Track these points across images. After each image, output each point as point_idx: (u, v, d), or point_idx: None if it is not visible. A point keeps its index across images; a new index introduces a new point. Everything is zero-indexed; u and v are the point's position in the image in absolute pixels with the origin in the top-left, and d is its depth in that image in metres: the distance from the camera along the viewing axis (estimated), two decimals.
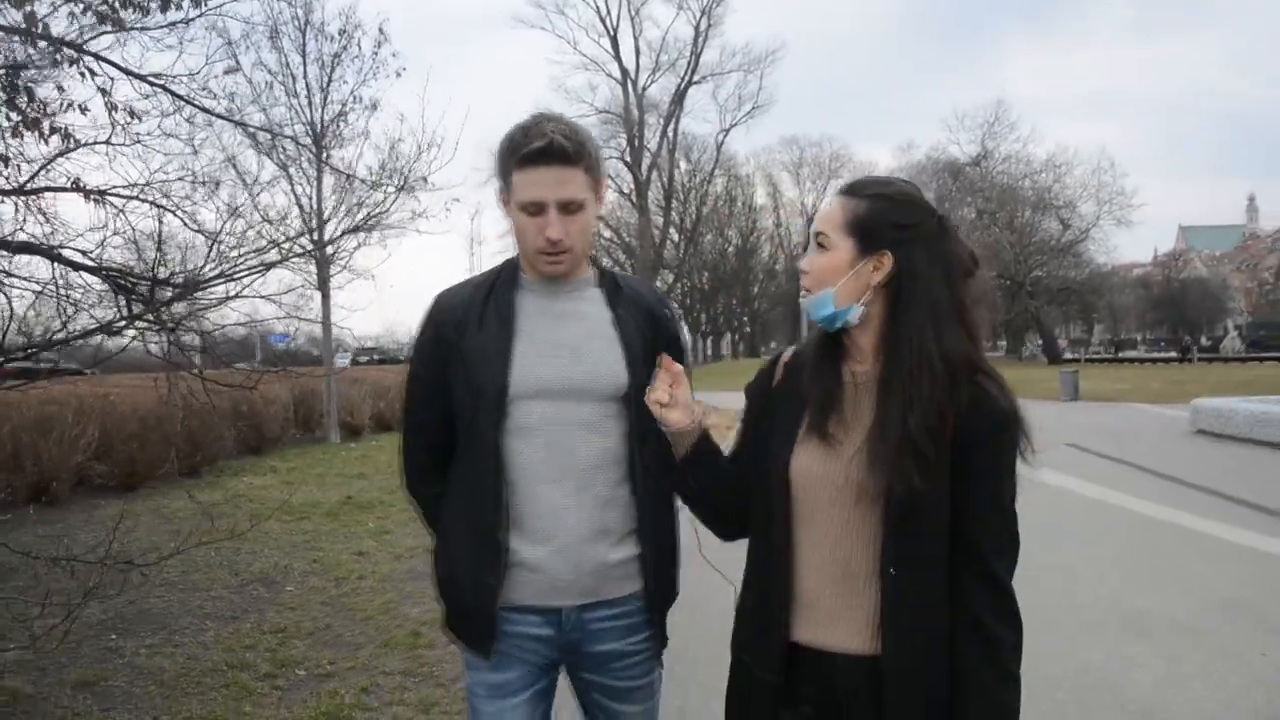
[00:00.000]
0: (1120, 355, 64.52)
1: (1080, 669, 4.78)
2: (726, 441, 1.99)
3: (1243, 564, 7.02)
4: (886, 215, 1.78)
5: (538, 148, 1.96)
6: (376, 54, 16.22)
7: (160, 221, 6.13)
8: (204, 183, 6.99)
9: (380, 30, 16.33)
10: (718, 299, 78.12)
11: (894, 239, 1.77)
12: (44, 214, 6.16)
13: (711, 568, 2.14)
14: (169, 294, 5.76)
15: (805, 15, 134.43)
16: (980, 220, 60.43)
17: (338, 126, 16.40)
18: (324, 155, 15.76)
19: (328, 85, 16.85)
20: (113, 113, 6.04)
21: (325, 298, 16.73)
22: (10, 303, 5.06)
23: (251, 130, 10.01)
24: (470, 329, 2.07)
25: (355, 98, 16.41)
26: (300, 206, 16.56)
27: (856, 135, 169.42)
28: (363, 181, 15.25)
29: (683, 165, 67.83)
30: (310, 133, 16.40)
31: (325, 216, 16.70)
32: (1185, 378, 32.27)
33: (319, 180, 16.79)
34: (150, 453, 11.40)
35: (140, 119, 6.30)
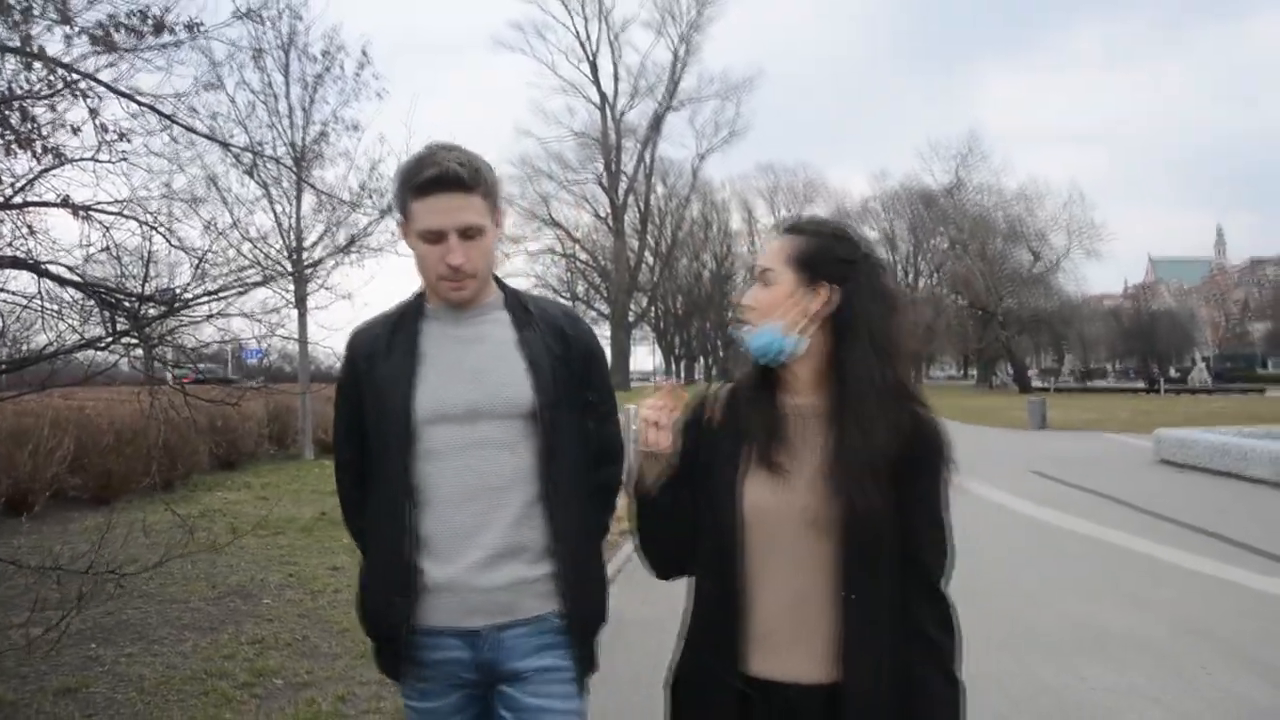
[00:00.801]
0: (1089, 385, 65.16)
1: (1038, 688, 4.97)
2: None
3: (1195, 588, 7.25)
4: (829, 251, 1.85)
5: (432, 175, 1.98)
6: (359, 75, 16.39)
7: (149, 240, 6.27)
8: (186, 200, 7.14)
9: (363, 52, 16.50)
10: (692, 323, 78.41)
11: (836, 273, 1.83)
12: (30, 229, 6.28)
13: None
14: (155, 311, 5.88)
15: (783, 43, 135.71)
16: (953, 250, 61.34)
17: (319, 147, 16.53)
18: (305, 175, 15.86)
19: (310, 106, 17.01)
20: (103, 132, 6.19)
21: (302, 315, 16.79)
22: (3, 317, 5.14)
23: (235, 150, 10.13)
24: (379, 360, 2.10)
25: (336, 118, 16.57)
26: (279, 225, 16.64)
27: (831, 163, 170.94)
28: (342, 202, 15.41)
29: (659, 190, 68.54)
30: (291, 153, 16.51)
31: (304, 236, 16.82)
32: (1152, 408, 32.75)
33: (298, 200, 16.91)
34: (126, 466, 11.41)
35: (128, 139, 6.45)
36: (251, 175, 15.18)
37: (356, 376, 2.14)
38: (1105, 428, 24.75)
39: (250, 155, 12.63)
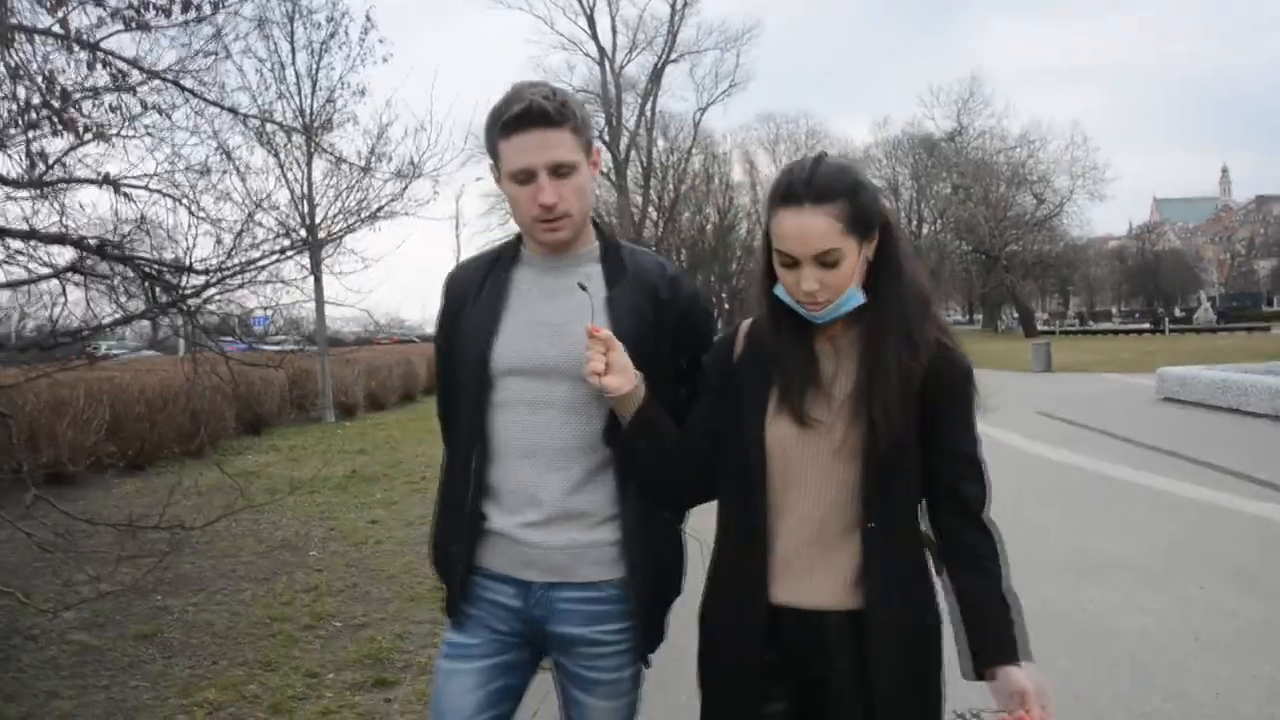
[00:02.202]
0: (1094, 327, 65.37)
1: (1045, 608, 5.32)
2: None
3: (1189, 514, 7.66)
4: (869, 204, 1.80)
5: (517, 112, 1.91)
6: (364, 40, 16.56)
7: (185, 211, 6.58)
8: (206, 172, 7.39)
9: (367, 17, 16.65)
10: (696, 276, 78.50)
11: (877, 219, 1.82)
12: (62, 207, 6.58)
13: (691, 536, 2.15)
14: (200, 282, 6.21)
15: None
16: (956, 195, 61.19)
17: (329, 110, 16.76)
18: (316, 140, 16.09)
19: (316, 73, 17.21)
20: (132, 110, 6.48)
21: (318, 280, 17.11)
22: (65, 290, 5.45)
23: (250, 119, 10.38)
24: (469, 302, 2.07)
25: (343, 84, 16.79)
26: (292, 192, 16.91)
27: (833, 111, 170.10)
28: (353, 166, 15.66)
29: (660, 143, 68.04)
30: (300, 119, 16.75)
31: (315, 204, 17.11)
32: (1156, 348, 33.04)
33: (309, 166, 17.17)
34: (158, 433, 11.84)
35: (166, 114, 6.75)
36: (263, 144, 15.54)
37: (448, 319, 2.13)
38: (1109, 369, 25.08)
39: (259, 122, 12.95)
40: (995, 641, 1.75)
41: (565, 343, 1.95)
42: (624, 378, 1.84)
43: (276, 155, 16.46)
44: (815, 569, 1.82)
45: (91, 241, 6.21)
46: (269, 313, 8.23)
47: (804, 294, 1.77)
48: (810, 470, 1.82)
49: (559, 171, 1.93)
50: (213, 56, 7.10)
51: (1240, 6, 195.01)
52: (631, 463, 1.95)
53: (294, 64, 17.21)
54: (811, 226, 1.74)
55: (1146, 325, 60.91)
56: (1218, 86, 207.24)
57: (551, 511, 1.97)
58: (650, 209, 67.38)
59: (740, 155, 76.46)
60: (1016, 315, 63.25)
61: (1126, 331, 56.40)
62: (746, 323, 2.00)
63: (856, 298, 1.80)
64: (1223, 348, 30.05)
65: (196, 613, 5.60)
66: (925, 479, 1.84)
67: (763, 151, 76.58)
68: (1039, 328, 59.01)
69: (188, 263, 6.15)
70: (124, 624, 5.36)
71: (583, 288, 1.93)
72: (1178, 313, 68.73)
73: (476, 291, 2.07)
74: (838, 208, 1.74)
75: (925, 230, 70.22)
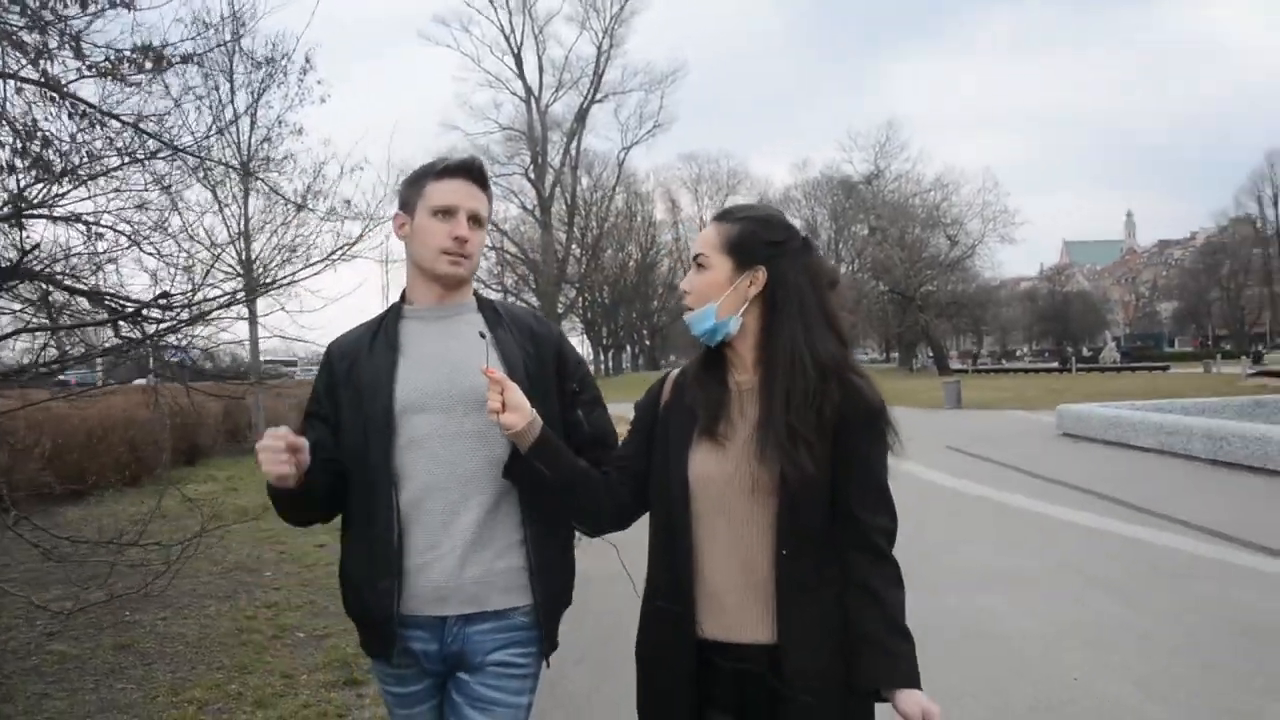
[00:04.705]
0: (1006, 366, 67.22)
1: (944, 613, 6.03)
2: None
3: (1075, 536, 8.48)
4: (758, 235, 1.96)
5: (460, 161, 2.22)
6: (302, 81, 16.93)
7: (136, 247, 7.00)
8: (142, 206, 7.76)
9: (306, 59, 17.03)
10: (619, 313, 79.28)
11: (766, 255, 1.95)
12: (19, 242, 6.96)
13: (626, 574, 2.31)
14: (168, 318, 6.63)
15: (705, 34, 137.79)
16: (873, 236, 62.77)
17: (264, 150, 17.09)
18: (254, 176, 16.39)
19: (254, 112, 17.54)
20: (97, 152, 6.90)
21: (252, 316, 17.34)
22: (57, 326, 5.84)
23: (206, 161, 10.75)
24: (360, 359, 2.21)
25: (280, 122, 17.15)
26: (228, 229, 17.17)
27: (754, 153, 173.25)
28: (289, 201, 16.00)
29: (585, 181, 69.14)
30: (238, 156, 17.06)
31: (253, 237, 17.40)
32: (1062, 386, 34.37)
33: (245, 202, 17.49)
34: (98, 462, 12.03)
35: (136, 157, 7.17)
36: (201, 180, 15.78)
37: (333, 381, 2.25)
38: (1016, 405, 26.25)
39: (200, 161, 13.27)
40: (890, 668, 1.82)
41: (465, 378, 2.14)
42: (519, 414, 2.00)
43: (214, 191, 16.74)
44: (742, 603, 1.90)
45: (64, 279, 6.64)
46: (218, 347, 8.62)
47: (681, 290, 2.05)
48: (731, 507, 1.91)
49: (475, 220, 2.21)
50: (171, 101, 7.55)
51: (1146, 56, 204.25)
52: (534, 490, 2.10)
53: (233, 102, 17.52)
54: (701, 234, 2.05)
55: (1055, 364, 62.73)
56: (1124, 133, 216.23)
57: (465, 540, 2.10)
58: (574, 246, 68.04)
59: (663, 194, 78.01)
60: (931, 354, 64.89)
61: (1036, 370, 57.86)
62: (675, 373, 2.17)
63: (710, 319, 1.97)
64: (1123, 387, 31.48)
65: (167, 626, 6.00)
66: (836, 509, 1.91)
67: (685, 190, 78.12)
68: (953, 366, 60.77)
69: (150, 299, 6.56)
70: (98, 636, 5.74)
71: (482, 335, 2.14)
72: (1085, 352, 70.91)
73: (369, 348, 2.23)
74: (726, 227, 1.99)
75: (843, 270, 71.79)
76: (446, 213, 2.17)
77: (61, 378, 9.16)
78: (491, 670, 2.12)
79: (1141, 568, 7.20)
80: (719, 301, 1.94)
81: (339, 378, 2.23)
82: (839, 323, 1.98)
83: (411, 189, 2.23)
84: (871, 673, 1.81)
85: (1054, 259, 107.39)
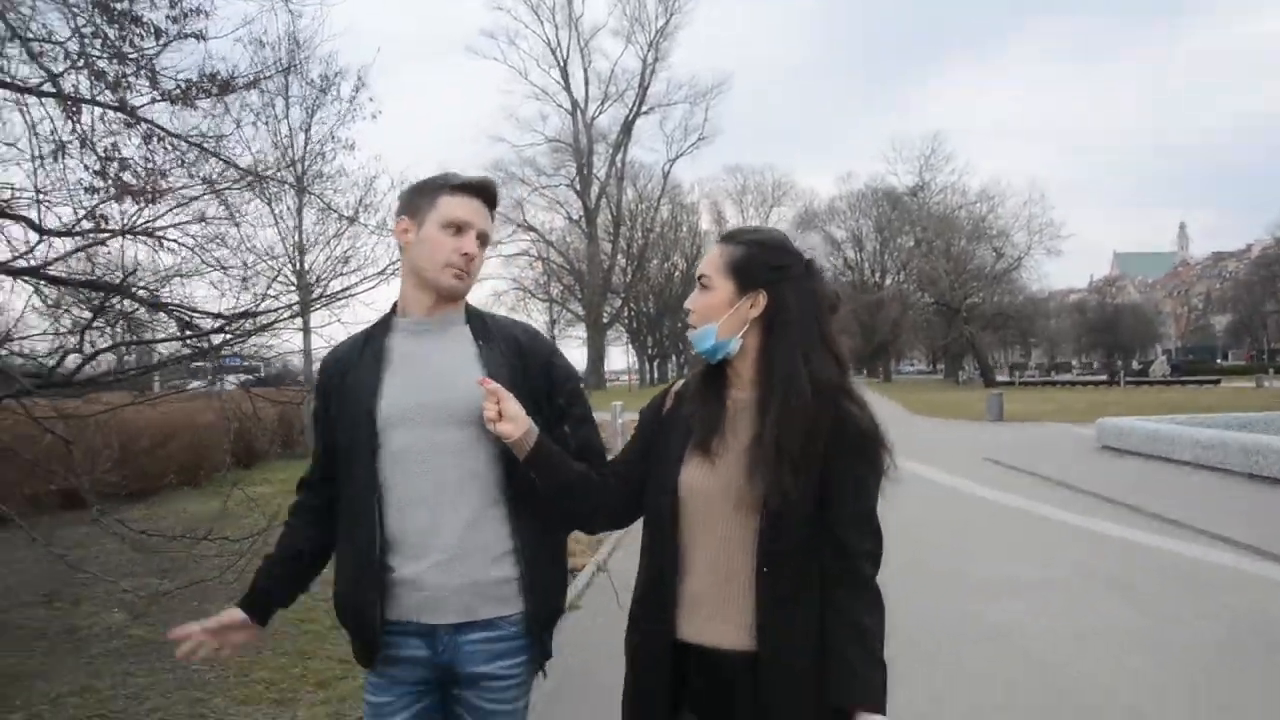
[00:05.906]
0: (1053, 379, 66.54)
1: (969, 616, 6.33)
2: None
3: (1101, 546, 8.71)
4: (761, 259, 1.99)
5: (475, 180, 2.23)
6: (354, 98, 17.54)
7: (201, 260, 7.48)
8: (220, 221, 8.22)
9: (359, 77, 17.65)
10: (664, 323, 79.56)
11: (767, 279, 1.97)
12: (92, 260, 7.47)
13: (611, 586, 2.47)
14: (239, 329, 7.09)
15: (750, 48, 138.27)
16: (918, 248, 62.61)
17: (318, 164, 17.70)
18: (307, 191, 16.99)
19: (309, 128, 18.19)
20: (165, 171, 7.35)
21: (306, 326, 17.94)
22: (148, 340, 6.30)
23: (265, 178, 11.27)
24: (350, 371, 2.24)
25: (333, 138, 17.76)
26: (284, 242, 17.82)
27: (799, 165, 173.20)
28: (342, 216, 16.59)
29: (630, 193, 69.37)
30: (293, 171, 17.69)
31: (307, 249, 18.03)
32: (1110, 400, 34.16)
33: (300, 216, 18.12)
34: (162, 464, 12.61)
35: (205, 178, 7.64)
36: (260, 195, 16.41)
37: (327, 391, 2.29)
38: (1059, 419, 26.13)
39: (259, 179, 13.84)
40: (863, 692, 1.81)
41: (450, 391, 2.15)
42: (516, 424, 2.03)
43: (270, 205, 17.40)
44: (718, 611, 1.94)
45: (142, 293, 7.13)
46: (276, 356, 9.10)
47: (685, 308, 2.08)
48: (716, 520, 1.95)
49: (482, 239, 2.24)
50: (235, 123, 8.00)
51: (1199, 66, 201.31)
52: (532, 496, 2.11)
53: (287, 118, 18.19)
54: (707, 255, 2.08)
55: (1104, 377, 62.05)
56: (1177, 146, 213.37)
57: (451, 550, 2.11)
58: (620, 256, 68.45)
59: (708, 205, 77.99)
60: (977, 366, 64.61)
61: (1085, 383, 57.31)
62: (678, 383, 2.21)
63: (711, 339, 2.00)
64: (1170, 400, 31.25)
65: None
66: (822, 531, 1.91)
67: (730, 202, 78.18)
68: (999, 379, 60.45)
69: (226, 313, 7.03)
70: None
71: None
72: (1135, 365, 69.97)
73: (357, 360, 2.25)
74: (730, 249, 2.02)
75: (889, 281, 71.67)
76: (457, 228, 2.18)
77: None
78: (486, 686, 2.15)
79: (1156, 575, 7.44)
80: (720, 322, 1.98)
81: (332, 389, 2.27)
82: (837, 347, 2.01)
83: (422, 198, 2.22)
84: (842, 693, 1.82)
85: (1104, 271, 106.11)
